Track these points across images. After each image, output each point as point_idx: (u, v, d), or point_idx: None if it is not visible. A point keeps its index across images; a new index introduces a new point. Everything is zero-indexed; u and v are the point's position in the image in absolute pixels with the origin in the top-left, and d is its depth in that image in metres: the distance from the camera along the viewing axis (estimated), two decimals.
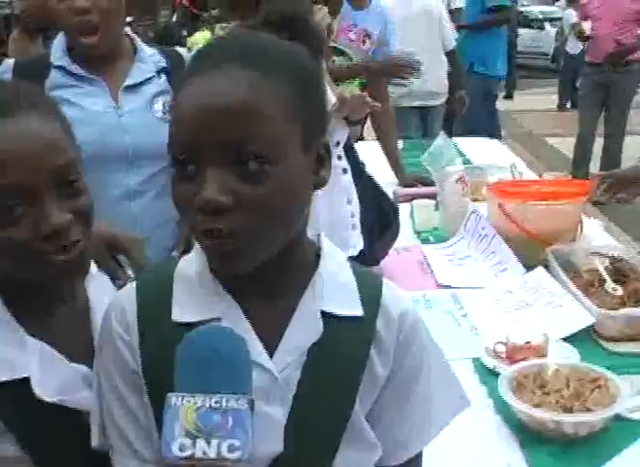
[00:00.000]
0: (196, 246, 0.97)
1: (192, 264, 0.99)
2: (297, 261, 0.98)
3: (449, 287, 2.34)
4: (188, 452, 0.80)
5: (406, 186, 3.25)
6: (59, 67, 1.92)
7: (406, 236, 2.65)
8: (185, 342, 0.87)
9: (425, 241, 2.75)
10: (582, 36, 6.76)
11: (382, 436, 1.01)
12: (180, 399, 0.82)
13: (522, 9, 15.37)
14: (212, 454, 0.80)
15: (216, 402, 0.82)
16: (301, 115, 0.90)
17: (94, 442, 0.99)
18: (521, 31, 13.50)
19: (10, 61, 1.98)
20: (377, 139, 3.44)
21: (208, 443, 0.80)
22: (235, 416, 0.82)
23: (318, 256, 1.00)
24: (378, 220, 2.31)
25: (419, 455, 1.06)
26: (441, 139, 3.12)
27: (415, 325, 1.02)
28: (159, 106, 1.97)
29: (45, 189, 0.97)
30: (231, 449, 0.80)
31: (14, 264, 1.01)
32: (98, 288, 1.10)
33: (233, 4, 1.97)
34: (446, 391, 1.06)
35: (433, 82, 4.50)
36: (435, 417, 1.05)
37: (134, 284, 1.01)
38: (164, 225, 1.93)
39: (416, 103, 4.58)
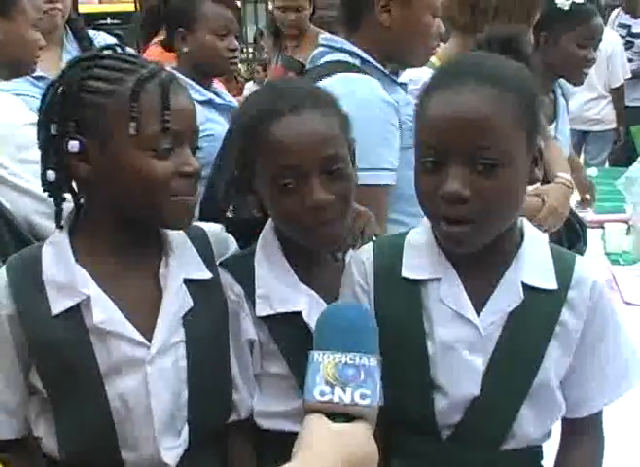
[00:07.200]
0: (424, 221, 1.21)
1: (421, 235, 1.23)
2: (507, 241, 1.19)
3: (636, 305, 2.42)
4: (327, 397, 0.96)
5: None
6: None
7: (596, 257, 2.76)
8: (326, 313, 1.07)
9: (614, 262, 2.84)
10: None
11: (571, 390, 1.20)
12: (321, 355, 0.99)
13: None
14: (347, 400, 0.96)
15: (351, 359, 0.98)
16: (526, 125, 1.12)
17: None
18: None
19: None
20: None
21: (344, 390, 0.96)
22: (366, 371, 0.98)
23: (522, 237, 1.21)
24: (567, 234, 2.44)
25: (599, 414, 1.23)
26: (639, 164, 3.18)
27: (603, 292, 1.20)
28: None
29: (313, 172, 1.23)
30: (362, 396, 0.96)
31: (287, 227, 1.29)
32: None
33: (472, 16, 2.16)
34: (630, 358, 1.22)
35: (592, 111, 5.14)
36: (618, 378, 1.21)
37: (371, 245, 1.27)
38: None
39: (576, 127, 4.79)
